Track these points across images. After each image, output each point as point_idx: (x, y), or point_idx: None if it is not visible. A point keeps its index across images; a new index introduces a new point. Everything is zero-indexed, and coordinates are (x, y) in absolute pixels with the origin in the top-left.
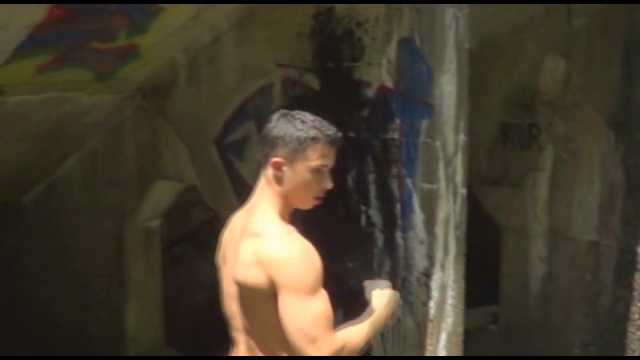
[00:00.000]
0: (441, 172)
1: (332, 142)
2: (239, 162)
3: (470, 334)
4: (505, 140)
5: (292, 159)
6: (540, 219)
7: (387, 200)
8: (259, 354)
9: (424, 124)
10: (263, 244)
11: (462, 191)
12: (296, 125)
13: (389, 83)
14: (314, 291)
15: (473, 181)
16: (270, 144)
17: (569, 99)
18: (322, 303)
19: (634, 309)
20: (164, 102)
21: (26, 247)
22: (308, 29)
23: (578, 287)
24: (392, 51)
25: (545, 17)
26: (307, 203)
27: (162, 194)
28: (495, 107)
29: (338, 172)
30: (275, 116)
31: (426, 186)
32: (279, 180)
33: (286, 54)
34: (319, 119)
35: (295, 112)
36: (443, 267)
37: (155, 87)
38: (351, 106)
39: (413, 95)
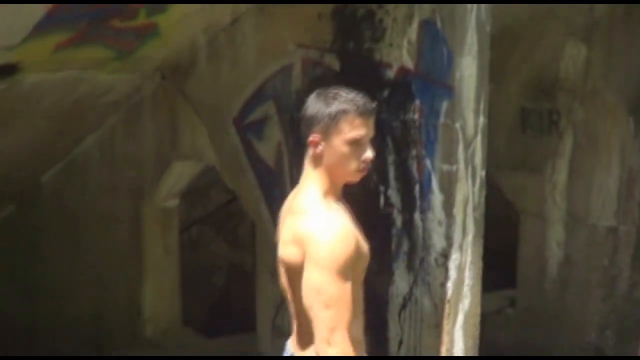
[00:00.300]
0: (460, 153)
1: (362, 112)
2: (258, 142)
3: (487, 317)
4: (525, 126)
5: (327, 135)
6: (558, 204)
7: (405, 181)
8: (304, 334)
9: (444, 106)
10: (301, 221)
11: (481, 173)
12: (327, 102)
13: (410, 64)
14: (340, 273)
15: (492, 166)
16: (306, 123)
17: (589, 85)
18: (346, 289)
19: None
20: (183, 82)
21: (44, 226)
22: (328, 10)
23: (595, 272)
24: (413, 32)
25: (567, 3)
26: (350, 176)
27: (180, 174)
28: (515, 92)
29: None
30: (311, 95)
31: (445, 167)
32: (318, 157)
33: (306, 34)
34: (352, 92)
35: (330, 89)
36: (461, 247)
37: (175, 66)
38: (371, 87)
39: (433, 77)
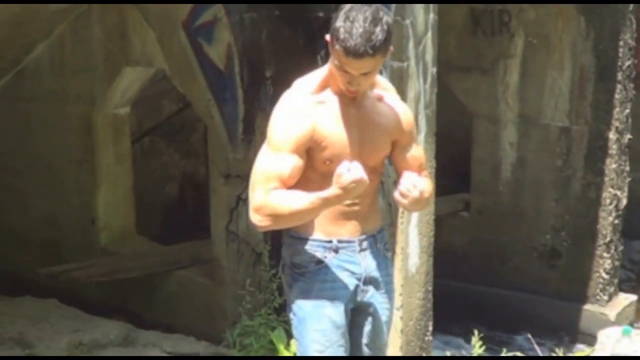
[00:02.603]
0: (411, 50)
1: (346, 51)
2: (208, 45)
3: (442, 221)
4: (475, 27)
5: (330, 43)
6: (510, 105)
7: None
8: None
9: (393, 3)
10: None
11: (432, 70)
12: (342, 17)
13: None
14: (277, 148)
15: (444, 68)
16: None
17: None
18: (274, 162)
19: (605, 194)
20: None
21: None
22: None
23: (549, 173)
24: None
25: None
26: (340, 87)
27: (130, 80)
28: None
29: (307, 50)
30: (349, 5)
31: (396, 64)
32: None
33: None
34: (368, 25)
35: (369, 8)
36: None
37: None
38: None
39: None
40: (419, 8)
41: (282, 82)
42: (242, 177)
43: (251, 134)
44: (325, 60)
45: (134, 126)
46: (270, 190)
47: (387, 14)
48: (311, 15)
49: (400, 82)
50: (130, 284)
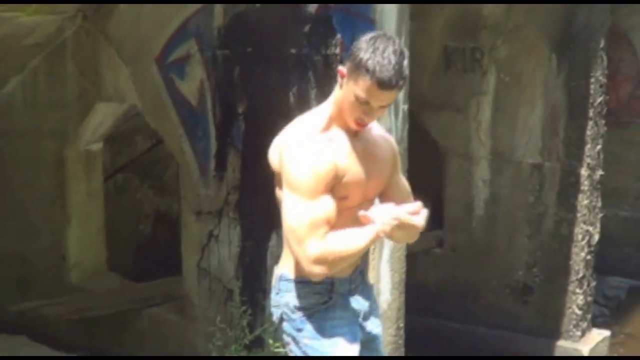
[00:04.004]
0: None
1: (379, 83)
2: (180, 81)
3: (415, 258)
4: (448, 64)
5: (349, 75)
6: (483, 142)
7: None
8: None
9: None
10: (284, 134)
11: (403, 107)
12: (368, 50)
13: None
14: (310, 194)
15: (417, 105)
16: (349, 52)
17: (512, 23)
18: (315, 207)
19: (577, 230)
20: (105, 22)
21: None
22: None
23: (521, 209)
24: None
25: None
26: (349, 122)
27: (103, 116)
28: (438, 32)
29: (280, 88)
30: (375, 33)
31: None
32: (340, 86)
33: None
34: (396, 57)
35: (391, 39)
36: None
37: (97, 7)
38: (292, 22)
39: (354, 11)
40: (386, 95)
41: (255, 119)
42: (213, 214)
43: (223, 170)
44: (300, 97)
45: (107, 162)
46: (322, 236)
47: None
48: (284, 53)
49: None
50: (101, 321)
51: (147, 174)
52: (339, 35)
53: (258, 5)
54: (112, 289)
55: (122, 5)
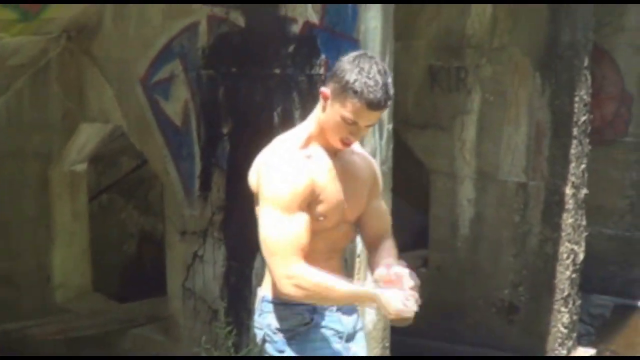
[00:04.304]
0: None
1: (368, 105)
2: (165, 101)
3: None
4: (433, 84)
5: (334, 97)
6: (468, 161)
7: None
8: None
9: None
10: (262, 154)
11: (388, 126)
12: (353, 71)
13: (314, 19)
14: (286, 209)
15: (401, 124)
16: (331, 73)
17: (496, 42)
18: (291, 222)
19: (562, 249)
20: (89, 43)
21: None
22: None
23: (506, 228)
24: None
25: None
26: (333, 141)
27: (88, 136)
28: (422, 51)
29: (264, 108)
30: (356, 53)
31: None
32: (323, 108)
33: None
34: (382, 77)
35: (373, 58)
36: None
37: (81, 27)
38: (277, 42)
39: (338, 31)
40: (374, 115)
41: (239, 139)
42: (198, 234)
43: (207, 190)
44: (284, 117)
45: (92, 183)
46: (298, 252)
47: None
48: (268, 73)
49: None
50: (86, 341)
51: (131, 195)
52: (323, 56)
53: (242, 25)
54: (97, 310)
55: (106, 26)
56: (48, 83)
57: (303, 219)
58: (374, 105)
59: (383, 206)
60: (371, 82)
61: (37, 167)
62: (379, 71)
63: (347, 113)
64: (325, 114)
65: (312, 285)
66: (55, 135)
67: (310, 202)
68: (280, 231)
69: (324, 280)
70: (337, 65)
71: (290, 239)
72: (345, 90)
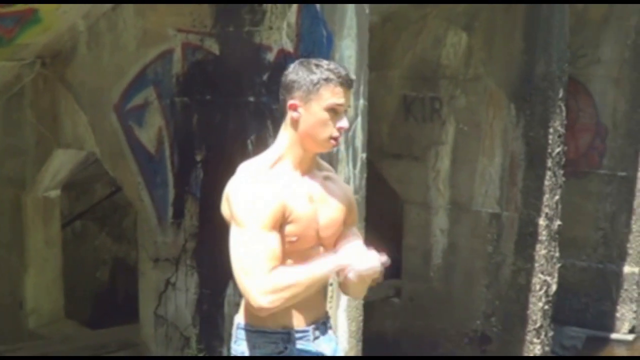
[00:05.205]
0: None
1: (343, 82)
2: (138, 128)
3: (373, 307)
4: (407, 114)
5: (306, 100)
6: (441, 192)
7: None
8: None
9: None
10: (230, 182)
11: (362, 155)
12: (310, 69)
13: (289, 47)
14: (258, 226)
15: (375, 154)
16: (287, 89)
17: (471, 73)
18: (262, 239)
19: (534, 280)
20: (63, 69)
21: None
22: None
23: (479, 259)
24: (292, 15)
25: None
26: (323, 144)
27: (61, 163)
28: (397, 81)
29: (238, 135)
30: (293, 64)
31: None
32: (295, 122)
33: (186, 18)
34: (332, 62)
35: (311, 59)
36: None
37: (55, 53)
38: (251, 70)
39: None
40: (348, 94)
41: (213, 167)
42: (171, 261)
43: (181, 217)
44: (258, 144)
45: (65, 210)
46: (270, 269)
47: None
48: (242, 100)
49: None
50: None
51: (105, 222)
52: None
53: (217, 53)
54: (69, 336)
55: (80, 52)
56: (22, 109)
57: (275, 236)
58: (347, 81)
59: (357, 233)
60: (332, 66)
61: (10, 193)
62: (322, 61)
63: (329, 101)
64: (302, 122)
65: (287, 288)
66: (29, 161)
67: (281, 221)
68: (253, 249)
69: (296, 278)
70: (289, 78)
71: (263, 256)
72: (315, 85)
